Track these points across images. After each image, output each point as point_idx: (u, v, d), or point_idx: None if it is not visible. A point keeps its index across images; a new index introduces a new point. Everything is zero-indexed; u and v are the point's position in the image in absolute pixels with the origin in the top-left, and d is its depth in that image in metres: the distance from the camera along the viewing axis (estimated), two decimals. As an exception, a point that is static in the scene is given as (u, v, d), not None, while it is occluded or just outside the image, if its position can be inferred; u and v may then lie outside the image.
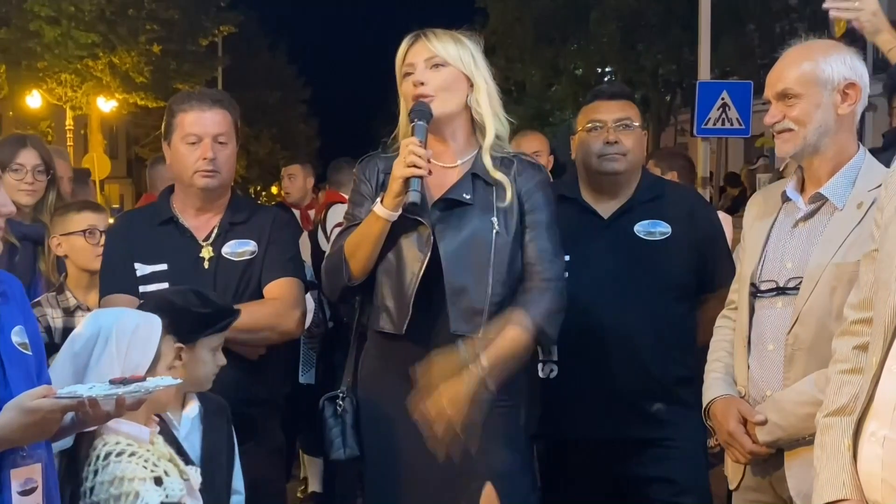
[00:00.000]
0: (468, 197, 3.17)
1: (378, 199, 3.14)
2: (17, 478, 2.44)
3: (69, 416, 2.48)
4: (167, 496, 2.72)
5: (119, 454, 2.72)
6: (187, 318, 3.04)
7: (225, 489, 3.18)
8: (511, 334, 3.11)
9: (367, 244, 3.15)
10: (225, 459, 3.20)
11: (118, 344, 2.79)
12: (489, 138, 3.23)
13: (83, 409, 2.43)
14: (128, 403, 2.49)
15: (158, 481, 2.73)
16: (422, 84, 3.17)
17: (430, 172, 3.08)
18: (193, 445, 3.09)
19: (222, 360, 3.16)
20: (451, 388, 3.03)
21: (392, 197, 3.08)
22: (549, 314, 3.17)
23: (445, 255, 3.13)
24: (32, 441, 2.45)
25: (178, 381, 2.70)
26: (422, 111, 3.14)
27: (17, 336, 2.53)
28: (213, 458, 3.14)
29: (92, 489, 2.70)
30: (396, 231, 3.15)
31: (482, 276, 3.14)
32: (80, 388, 2.44)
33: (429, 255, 3.13)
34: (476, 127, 3.27)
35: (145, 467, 2.72)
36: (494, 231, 3.15)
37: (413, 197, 3.04)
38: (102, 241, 3.93)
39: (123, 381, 2.49)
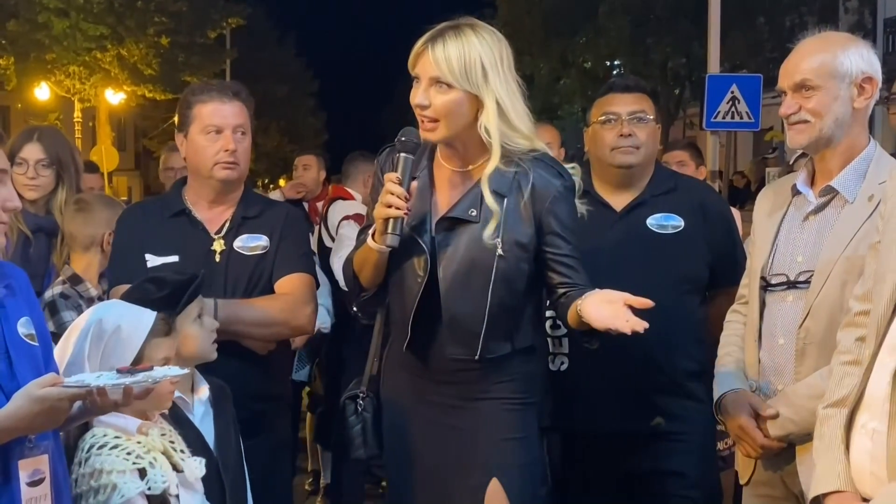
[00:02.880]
0: (474, 214, 3.04)
1: (370, 233, 3.07)
2: (25, 468, 2.45)
3: (77, 405, 2.49)
4: (149, 488, 2.70)
5: (101, 447, 2.71)
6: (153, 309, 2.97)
7: (240, 469, 3.19)
8: None
9: (368, 266, 3.12)
10: (234, 441, 3.20)
11: (95, 343, 2.77)
12: (492, 163, 3.02)
13: (91, 398, 2.44)
14: (135, 393, 2.49)
15: (143, 473, 2.71)
16: (424, 107, 3.01)
17: (408, 211, 2.98)
18: (208, 429, 3.09)
19: (212, 325, 3.15)
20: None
21: (378, 234, 3.01)
22: None
23: (444, 280, 3.04)
24: (41, 430, 2.45)
25: (186, 371, 2.71)
26: (408, 142, 3.02)
27: (24, 327, 2.53)
28: (227, 441, 3.14)
29: (76, 481, 2.70)
30: (403, 247, 3.06)
31: (480, 300, 3.03)
32: (88, 377, 2.45)
33: (426, 279, 3.05)
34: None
35: (127, 459, 2.70)
36: (498, 254, 3.01)
37: (391, 241, 2.97)
38: None
39: (130, 371, 2.50)
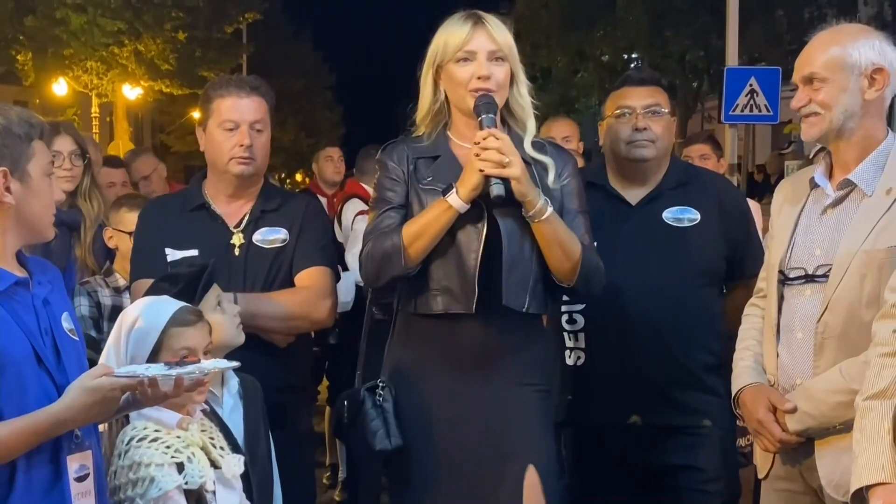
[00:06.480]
0: None
1: (453, 191, 3.09)
2: (73, 463, 2.50)
3: (125, 396, 2.53)
4: (186, 483, 2.73)
5: (141, 440, 2.75)
6: None
7: (269, 463, 3.21)
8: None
9: (432, 233, 3.12)
10: (264, 434, 3.22)
11: (115, 339, 2.83)
12: (531, 128, 3.25)
13: (142, 389, 2.49)
14: (186, 384, 2.54)
15: (181, 467, 2.74)
16: (488, 78, 3.15)
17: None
18: (237, 423, 3.11)
19: (233, 309, 3.18)
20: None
21: (470, 189, 3.06)
22: (590, 257, 3.19)
23: (505, 229, 3.12)
24: (95, 420, 2.51)
25: (236, 363, 2.74)
26: (489, 104, 3.13)
27: (66, 322, 2.60)
28: (256, 435, 3.16)
29: (115, 473, 2.74)
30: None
31: (532, 252, 3.14)
32: (139, 368, 2.52)
33: (485, 231, 3.12)
34: (509, 114, 3.26)
35: (165, 453, 2.74)
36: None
37: (498, 190, 3.03)
38: None
39: (180, 363, 2.56)
